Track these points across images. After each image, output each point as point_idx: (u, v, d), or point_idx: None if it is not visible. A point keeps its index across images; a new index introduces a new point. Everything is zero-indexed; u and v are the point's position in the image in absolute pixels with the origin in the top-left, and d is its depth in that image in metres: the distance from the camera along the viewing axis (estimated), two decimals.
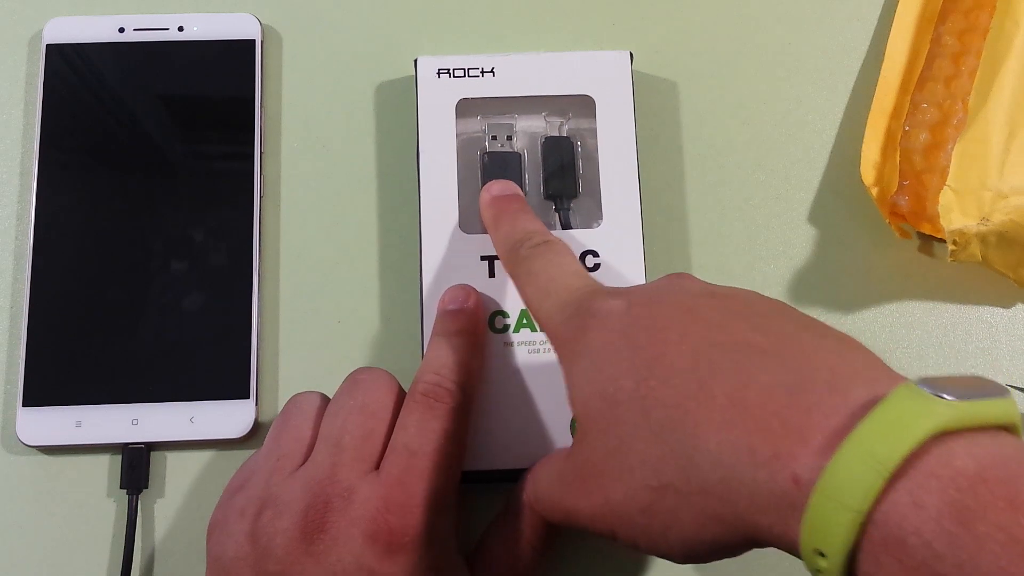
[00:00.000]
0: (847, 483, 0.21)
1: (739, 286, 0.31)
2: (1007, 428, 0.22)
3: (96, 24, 0.43)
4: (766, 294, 0.30)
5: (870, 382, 0.23)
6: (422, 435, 0.33)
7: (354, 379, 0.36)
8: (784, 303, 0.29)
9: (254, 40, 0.43)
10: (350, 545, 0.31)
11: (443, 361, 0.36)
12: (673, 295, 0.29)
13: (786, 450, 0.23)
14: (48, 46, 0.43)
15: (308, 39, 0.45)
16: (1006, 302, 0.42)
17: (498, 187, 0.39)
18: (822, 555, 0.22)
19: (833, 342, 0.26)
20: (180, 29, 0.43)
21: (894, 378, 0.24)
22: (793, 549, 0.23)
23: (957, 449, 0.21)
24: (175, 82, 0.43)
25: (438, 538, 0.33)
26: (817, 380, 0.24)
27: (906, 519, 0.21)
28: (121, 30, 0.43)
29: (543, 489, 0.32)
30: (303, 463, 0.34)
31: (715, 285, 0.31)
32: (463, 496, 0.35)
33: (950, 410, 0.21)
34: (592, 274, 0.39)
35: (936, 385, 0.22)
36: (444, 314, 0.38)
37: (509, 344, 0.38)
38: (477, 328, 0.38)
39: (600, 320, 0.29)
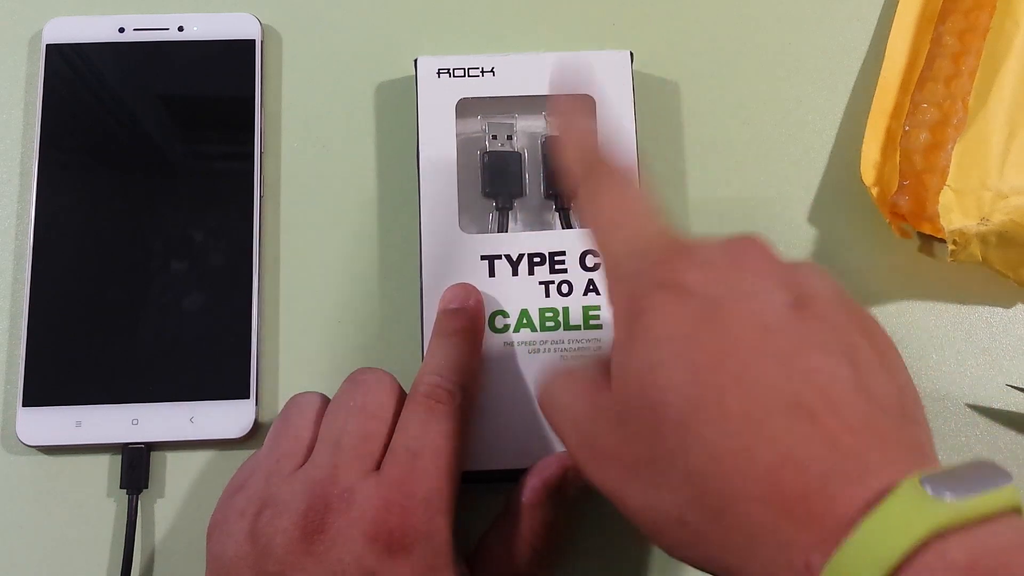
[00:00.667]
0: None
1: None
2: (1010, 513, 0.23)
3: (96, 24, 0.43)
4: None
5: (889, 471, 0.24)
6: (423, 436, 0.33)
7: (354, 379, 0.36)
8: (862, 321, 0.28)
9: (254, 40, 0.43)
10: (350, 546, 0.31)
11: (444, 362, 0.36)
12: (750, 303, 0.27)
13: (805, 538, 0.24)
14: (48, 46, 0.43)
15: (308, 39, 0.45)
16: (1006, 302, 0.42)
17: (567, 101, 0.35)
18: None
19: (879, 415, 0.25)
20: (180, 29, 0.43)
21: (907, 466, 0.24)
22: None
23: (952, 544, 0.22)
24: (175, 82, 0.43)
25: (438, 539, 0.33)
26: (848, 465, 0.24)
27: None
28: (121, 30, 0.43)
29: (565, 427, 0.30)
30: (303, 463, 0.34)
31: (807, 289, 0.28)
32: (463, 496, 0.35)
33: (947, 510, 0.22)
34: (591, 275, 0.39)
35: (937, 483, 0.23)
36: (445, 313, 0.38)
37: (509, 344, 0.38)
38: (478, 327, 0.38)
39: (668, 303, 0.27)
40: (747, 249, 0.29)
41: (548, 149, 0.41)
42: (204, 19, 0.43)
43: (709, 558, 0.26)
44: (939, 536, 0.22)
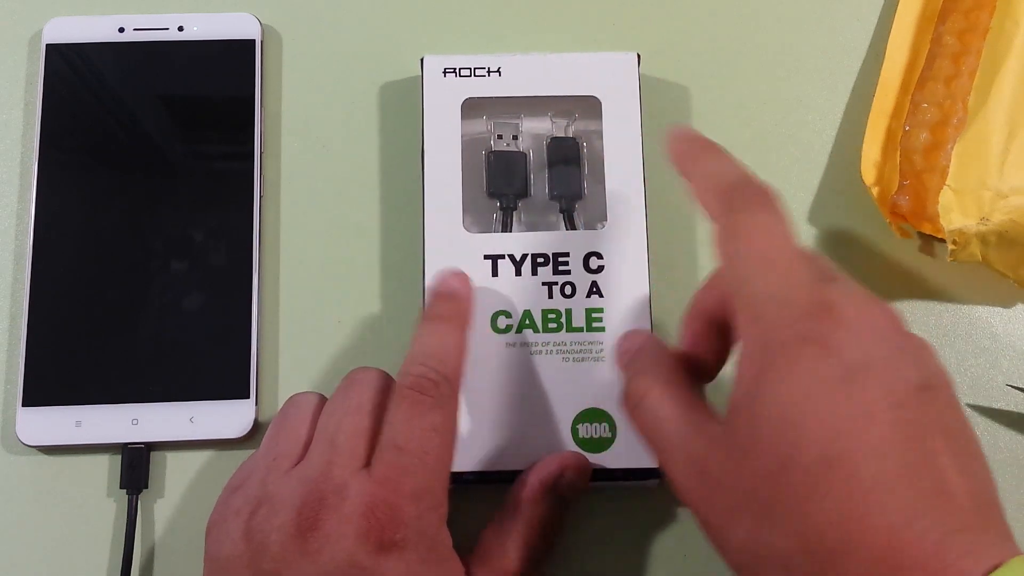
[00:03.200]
0: None
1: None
2: None
3: (96, 24, 0.43)
4: None
5: (998, 549, 0.26)
6: (410, 431, 0.33)
7: (350, 379, 0.35)
8: (959, 411, 0.29)
9: (254, 40, 0.43)
10: (343, 543, 0.31)
11: (431, 351, 0.35)
12: (892, 372, 0.28)
13: None
14: (48, 46, 0.42)
15: (308, 39, 0.45)
16: (1006, 302, 0.42)
17: (680, 129, 0.34)
18: None
19: (982, 499, 0.27)
20: (180, 29, 0.43)
21: (1011, 546, 0.27)
22: None
23: None
24: (175, 82, 0.43)
25: (429, 534, 0.32)
26: (961, 540, 0.26)
27: None
28: (121, 30, 0.43)
29: (664, 442, 0.31)
30: (299, 462, 0.34)
31: (933, 374, 0.29)
32: (463, 496, 0.35)
33: None
34: (594, 276, 0.39)
35: None
36: (437, 296, 0.37)
37: (511, 345, 0.38)
38: (467, 314, 0.37)
39: (812, 358, 0.28)
40: (882, 316, 0.29)
41: (552, 150, 0.42)
42: (204, 19, 0.43)
43: None
44: None
